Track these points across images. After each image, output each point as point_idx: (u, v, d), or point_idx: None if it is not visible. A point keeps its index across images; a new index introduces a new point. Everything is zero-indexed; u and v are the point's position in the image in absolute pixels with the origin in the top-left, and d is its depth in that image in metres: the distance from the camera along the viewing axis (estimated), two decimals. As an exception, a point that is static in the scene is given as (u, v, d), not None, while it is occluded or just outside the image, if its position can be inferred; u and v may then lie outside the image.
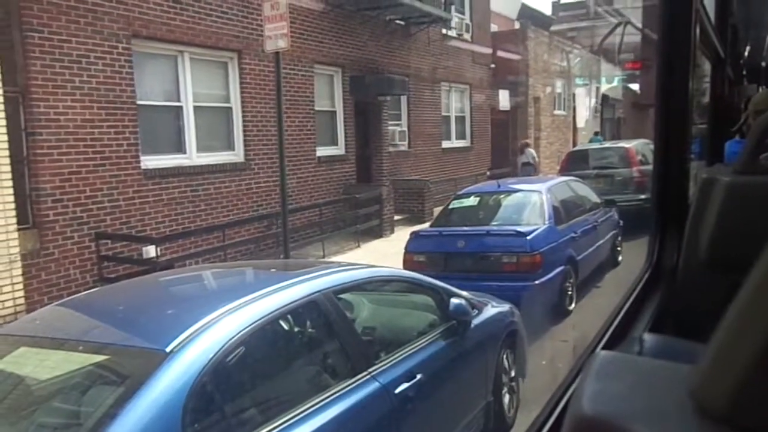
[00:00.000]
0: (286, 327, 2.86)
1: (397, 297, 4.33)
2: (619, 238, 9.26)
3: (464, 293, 4.17)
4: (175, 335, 2.32)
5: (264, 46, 6.94)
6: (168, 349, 2.25)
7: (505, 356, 4.43)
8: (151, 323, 2.66)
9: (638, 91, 32.73)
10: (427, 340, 3.57)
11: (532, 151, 15.84)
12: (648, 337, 0.79)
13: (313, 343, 3.03)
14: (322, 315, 2.90)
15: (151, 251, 7.91)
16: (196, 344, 2.31)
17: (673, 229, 1.55)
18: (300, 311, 2.87)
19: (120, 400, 2.12)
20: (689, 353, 0.56)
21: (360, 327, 3.67)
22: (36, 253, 7.02)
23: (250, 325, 2.49)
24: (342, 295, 3.71)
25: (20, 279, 6.45)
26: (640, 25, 27.99)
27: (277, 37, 6.46)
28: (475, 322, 4.02)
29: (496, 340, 4.34)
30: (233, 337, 2.39)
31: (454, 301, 3.74)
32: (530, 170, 14.59)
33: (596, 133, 23.45)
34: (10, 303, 6.33)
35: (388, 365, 3.12)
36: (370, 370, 2.96)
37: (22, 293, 6.47)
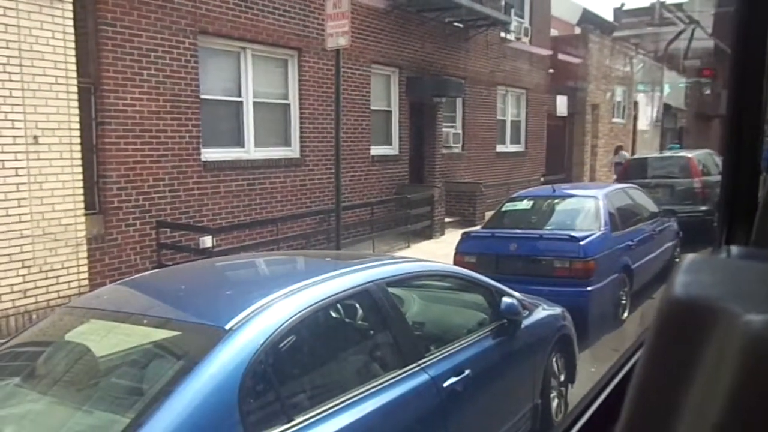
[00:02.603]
0: (339, 314, 2.91)
1: (447, 294, 4.33)
2: (678, 250, 8.99)
3: (516, 293, 4.14)
4: (234, 314, 2.40)
5: (325, 43, 7.05)
6: (227, 327, 2.33)
7: (554, 359, 4.38)
8: (210, 302, 2.75)
9: (704, 100, 31.66)
10: (476, 337, 3.56)
11: (625, 153, 17.59)
12: (734, 248, 0.80)
13: (365, 332, 3.07)
14: (374, 304, 2.94)
15: (207, 241, 8.14)
16: (254, 324, 2.38)
17: (739, 236, 1.49)
18: (353, 299, 2.92)
19: (180, 373, 2.21)
20: None
21: (410, 321, 3.70)
22: (100, 238, 7.32)
23: (305, 309, 2.55)
24: (393, 290, 3.75)
25: (85, 262, 6.76)
26: (709, 30, 27.07)
27: (338, 34, 6.56)
28: (526, 322, 3.99)
29: (547, 342, 4.29)
30: (289, 320, 2.46)
31: (505, 300, 3.72)
32: (620, 169, 16.13)
33: (675, 142, 25.49)
34: (75, 284, 6.64)
35: (438, 359, 3.13)
36: (420, 362, 2.99)
37: (86, 275, 6.77)
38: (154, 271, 5.36)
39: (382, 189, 11.82)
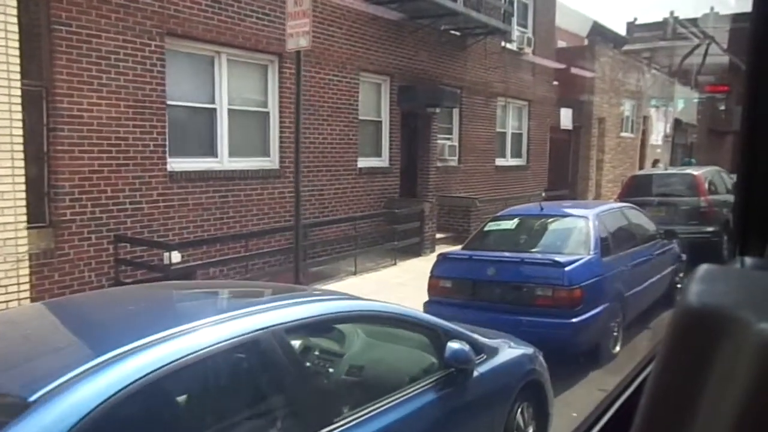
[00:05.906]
0: (211, 374, 2.29)
1: (397, 333, 3.72)
2: (680, 275, 8.31)
3: (472, 334, 3.54)
4: (50, 380, 1.83)
5: (286, 44, 6.52)
6: (32, 399, 1.75)
7: (520, 411, 3.76)
8: (38, 360, 2.16)
9: (717, 117, 30.98)
10: (414, 391, 2.96)
11: (662, 166, 17.68)
12: (748, 259, 0.85)
13: (248, 396, 2.45)
14: (265, 359, 2.34)
15: (173, 257, 7.59)
16: (73, 394, 1.80)
17: (753, 248, 1.23)
18: (235, 353, 2.32)
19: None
20: None
21: (346, 365, 3.11)
22: (50, 253, 6.79)
23: (154, 370, 1.96)
24: (339, 326, 3.17)
25: (27, 279, 6.22)
26: (724, 45, 26.48)
27: (298, 35, 6.01)
28: (481, 369, 3.39)
29: (510, 391, 3.67)
30: (125, 388, 1.87)
31: (451, 345, 3.12)
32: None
33: (688, 157, 25.54)
34: (14, 303, 6.09)
35: (356, 421, 2.54)
36: (330, 428, 2.39)
37: (27, 294, 6.24)
38: (33, 304, 4.78)
39: (369, 203, 11.24)
